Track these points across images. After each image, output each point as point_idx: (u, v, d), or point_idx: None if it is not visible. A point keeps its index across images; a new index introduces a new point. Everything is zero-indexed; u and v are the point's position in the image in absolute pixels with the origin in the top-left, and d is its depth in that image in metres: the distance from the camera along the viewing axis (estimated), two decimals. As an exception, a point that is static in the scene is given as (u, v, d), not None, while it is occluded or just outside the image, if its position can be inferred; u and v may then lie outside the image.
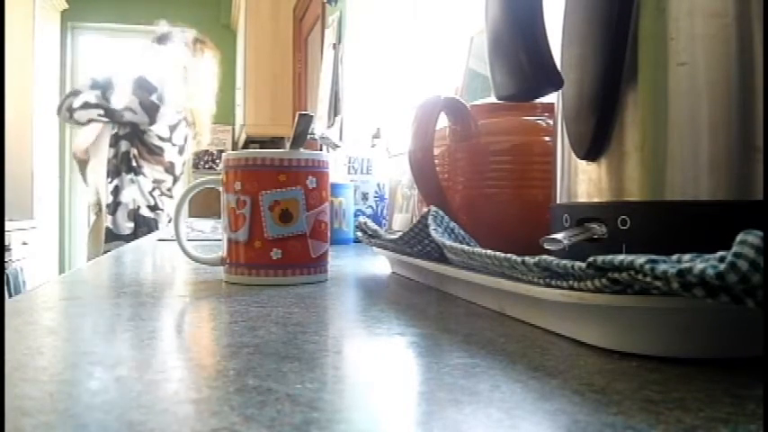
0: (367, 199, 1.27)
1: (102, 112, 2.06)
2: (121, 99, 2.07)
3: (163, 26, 2.30)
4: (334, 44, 2.60)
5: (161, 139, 2.11)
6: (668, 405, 0.23)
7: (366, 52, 2.35)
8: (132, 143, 2.11)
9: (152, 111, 2.08)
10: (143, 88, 2.08)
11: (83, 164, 2.26)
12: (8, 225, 3.43)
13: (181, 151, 2.20)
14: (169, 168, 2.16)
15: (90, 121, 2.07)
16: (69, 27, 5.03)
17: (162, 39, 2.25)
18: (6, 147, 3.06)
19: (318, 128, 1.67)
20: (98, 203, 2.18)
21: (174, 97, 2.17)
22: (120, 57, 2.21)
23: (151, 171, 2.13)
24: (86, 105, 2.06)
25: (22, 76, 4.01)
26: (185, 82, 2.26)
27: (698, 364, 0.29)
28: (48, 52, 4.47)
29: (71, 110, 2.08)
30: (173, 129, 2.14)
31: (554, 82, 0.39)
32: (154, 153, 2.13)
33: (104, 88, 2.08)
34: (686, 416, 0.22)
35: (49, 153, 4.58)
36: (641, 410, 0.22)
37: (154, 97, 2.08)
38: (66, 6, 4.80)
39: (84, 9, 4.99)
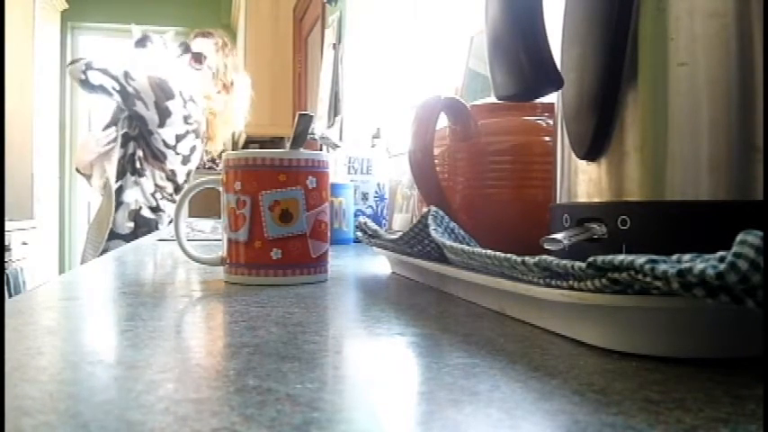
0: (367, 199, 1.27)
1: (117, 86, 1.96)
2: (139, 89, 2.01)
3: (137, 29, 2.25)
4: (334, 44, 2.60)
5: (166, 145, 2.10)
6: (668, 405, 0.23)
7: (366, 52, 2.35)
8: (139, 145, 2.09)
9: (164, 114, 2.05)
10: (163, 90, 2.05)
11: (87, 177, 2.24)
12: (8, 225, 3.43)
13: (185, 161, 2.18)
14: (170, 176, 2.15)
15: (101, 87, 1.96)
16: (69, 27, 5.04)
17: (140, 42, 2.21)
18: (6, 147, 3.06)
19: (318, 128, 1.67)
20: (106, 185, 2.13)
21: (193, 110, 2.14)
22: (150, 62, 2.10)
23: (153, 175, 2.12)
24: (106, 72, 1.97)
25: (22, 76, 4.00)
26: (211, 99, 2.23)
27: (698, 364, 0.29)
28: (48, 52, 4.47)
29: (89, 65, 1.96)
30: (179, 138, 2.12)
31: (554, 82, 0.39)
32: (157, 158, 2.11)
33: (129, 72, 2.01)
34: (686, 416, 0.22)
35: (49, 153, 4.58)
36: (641, 410, 0.22)
37: (169, 103, 2.06)
38: (66, 6, 4.80)
39: (84, 9, 4.99)
